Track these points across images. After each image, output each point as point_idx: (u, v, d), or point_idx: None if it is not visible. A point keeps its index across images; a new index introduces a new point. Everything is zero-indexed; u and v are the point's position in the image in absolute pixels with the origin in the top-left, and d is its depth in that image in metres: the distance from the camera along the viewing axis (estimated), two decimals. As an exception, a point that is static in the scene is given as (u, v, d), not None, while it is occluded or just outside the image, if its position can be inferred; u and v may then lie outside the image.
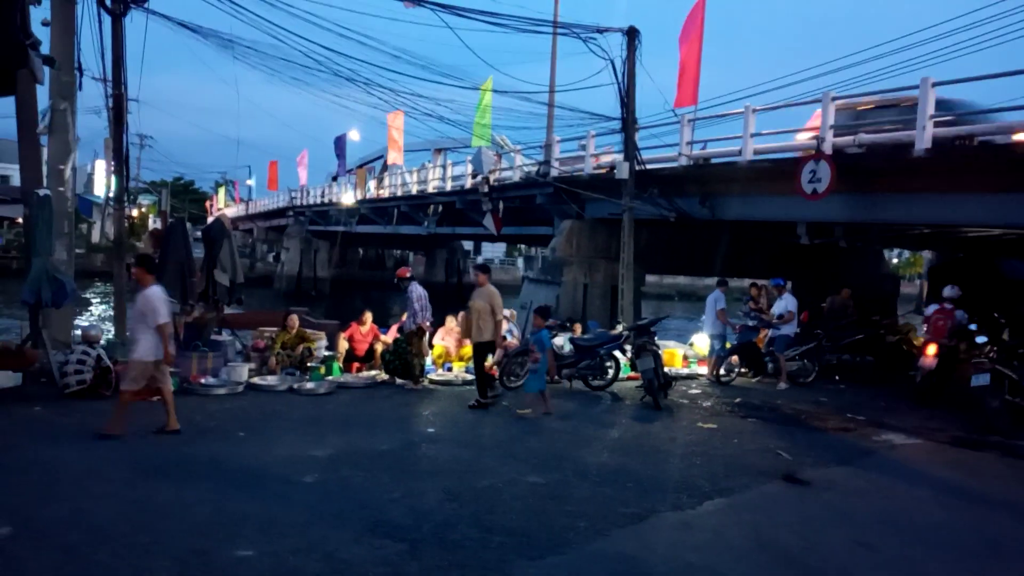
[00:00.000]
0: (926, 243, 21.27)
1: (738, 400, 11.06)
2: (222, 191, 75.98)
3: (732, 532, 5.44)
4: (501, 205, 21.93)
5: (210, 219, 30.72)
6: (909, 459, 8.08)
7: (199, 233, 14.90)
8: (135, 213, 54.44)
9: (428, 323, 11.17)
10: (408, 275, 11.15)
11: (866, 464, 7.77)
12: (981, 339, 10.09)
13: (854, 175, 12.05)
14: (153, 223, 55.74)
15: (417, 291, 10.85)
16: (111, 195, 14.81)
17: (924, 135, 10.72)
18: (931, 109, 10.80)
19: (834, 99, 12.32)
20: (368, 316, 12.29)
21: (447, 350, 12.65)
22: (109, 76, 12.18)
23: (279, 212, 53.00)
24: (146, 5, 11.87)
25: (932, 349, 11.05)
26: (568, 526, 5.34)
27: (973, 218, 11.99)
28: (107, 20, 11.81)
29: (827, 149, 11.96)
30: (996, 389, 9.47)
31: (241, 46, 13.42)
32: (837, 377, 13.52)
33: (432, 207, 29.80)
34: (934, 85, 10.81)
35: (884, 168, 12.12)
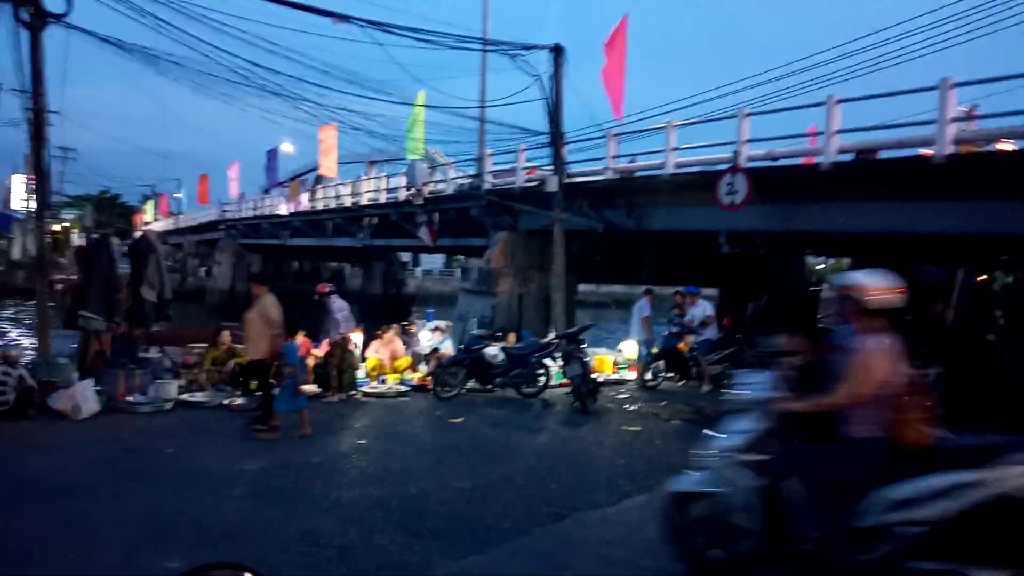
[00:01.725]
0: (844, 250, 22.22)
1: (663, 403, 11.48)
2: (150, 205, 73.94)
3: (648, 527, 5.73)
4: (437, 217, 22.06)
5: (136, 235, 30.02)
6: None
7: (126, 248, 14.65)
8: (57, 228, 52.67)
9: (358, 331, 11.22)
10: (327, 290, 11.40)
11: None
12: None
13: (770, 186, 12.65)
14: (79, 239, 53.99)
15: (337, 303, 11.10)
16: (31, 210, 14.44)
17: (829, 149, 11.36)
18: (836, 124, 11.45)
19: (748, 115, 12.92)
20: (300, 333, 12.27)
21: (380, 362, 12.75)
22: (29, 89, 11.92)
23: (210, 226, 51.87)
24: (66, 20, 11.65)
25: None
26: (492, 527, 5.58)
27: (878, 226, 12.70)
28: (26, 34, 11.58)
29: (743, 162, 12.54)
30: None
31: (167, 61, 13.27)
32: (758, 380, 14.05)
33: (367, 219, 29.72)
34: (838, 102, 11.47)
35: (796, 179, 12.76)
